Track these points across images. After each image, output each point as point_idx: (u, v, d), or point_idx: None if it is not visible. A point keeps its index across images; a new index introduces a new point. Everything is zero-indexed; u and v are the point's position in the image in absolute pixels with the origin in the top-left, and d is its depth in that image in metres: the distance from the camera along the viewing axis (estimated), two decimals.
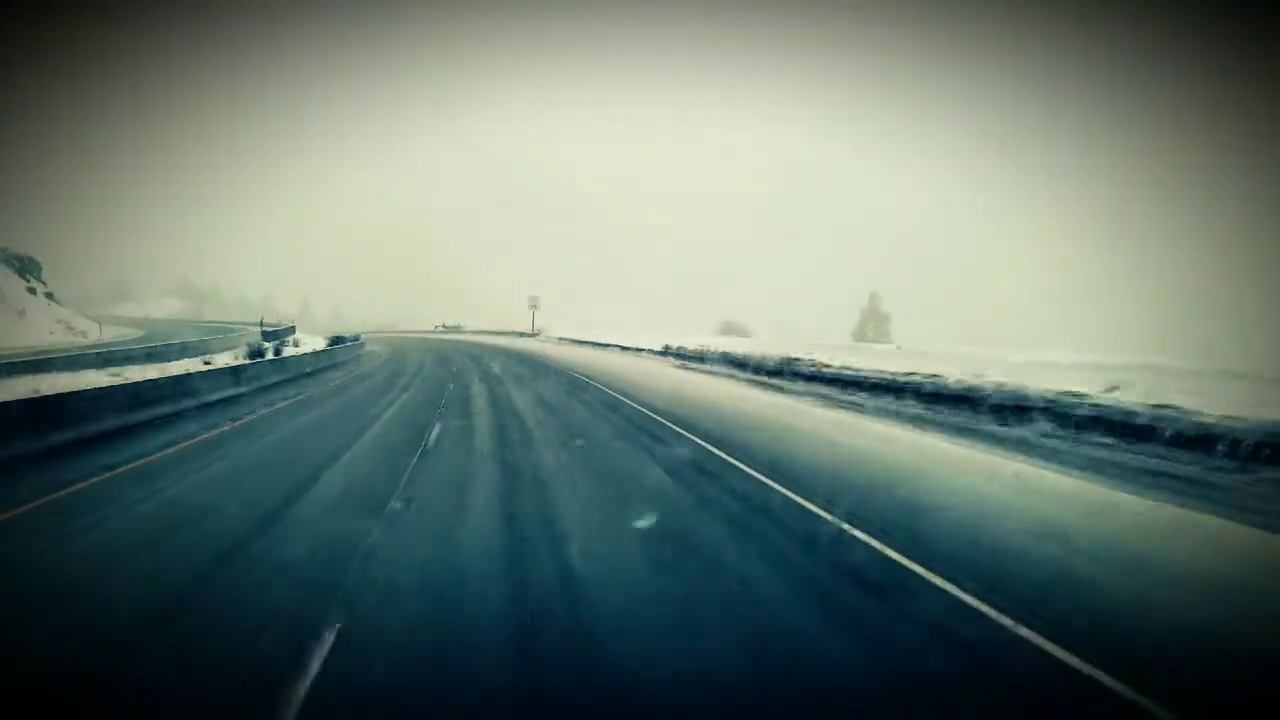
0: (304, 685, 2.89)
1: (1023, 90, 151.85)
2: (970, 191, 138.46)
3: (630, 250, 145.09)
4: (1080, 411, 9.02)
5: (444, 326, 76.13)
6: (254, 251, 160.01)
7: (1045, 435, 9.04)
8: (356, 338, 38.40)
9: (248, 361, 17.24)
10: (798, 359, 18.26)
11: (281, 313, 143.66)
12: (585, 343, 39.01)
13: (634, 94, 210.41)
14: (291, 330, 41.22)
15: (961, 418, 10.53)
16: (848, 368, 15.65)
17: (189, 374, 12.77)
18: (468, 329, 69.66)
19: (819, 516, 5.41)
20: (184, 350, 27.92)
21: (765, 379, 18.14)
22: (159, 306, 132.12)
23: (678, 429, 9.80)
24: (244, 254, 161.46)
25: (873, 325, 62.14)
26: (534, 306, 54.02)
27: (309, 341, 35.84)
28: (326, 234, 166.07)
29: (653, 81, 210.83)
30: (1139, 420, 8.25)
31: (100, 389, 9.80)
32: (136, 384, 10.71)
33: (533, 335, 52.04)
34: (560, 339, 44.85)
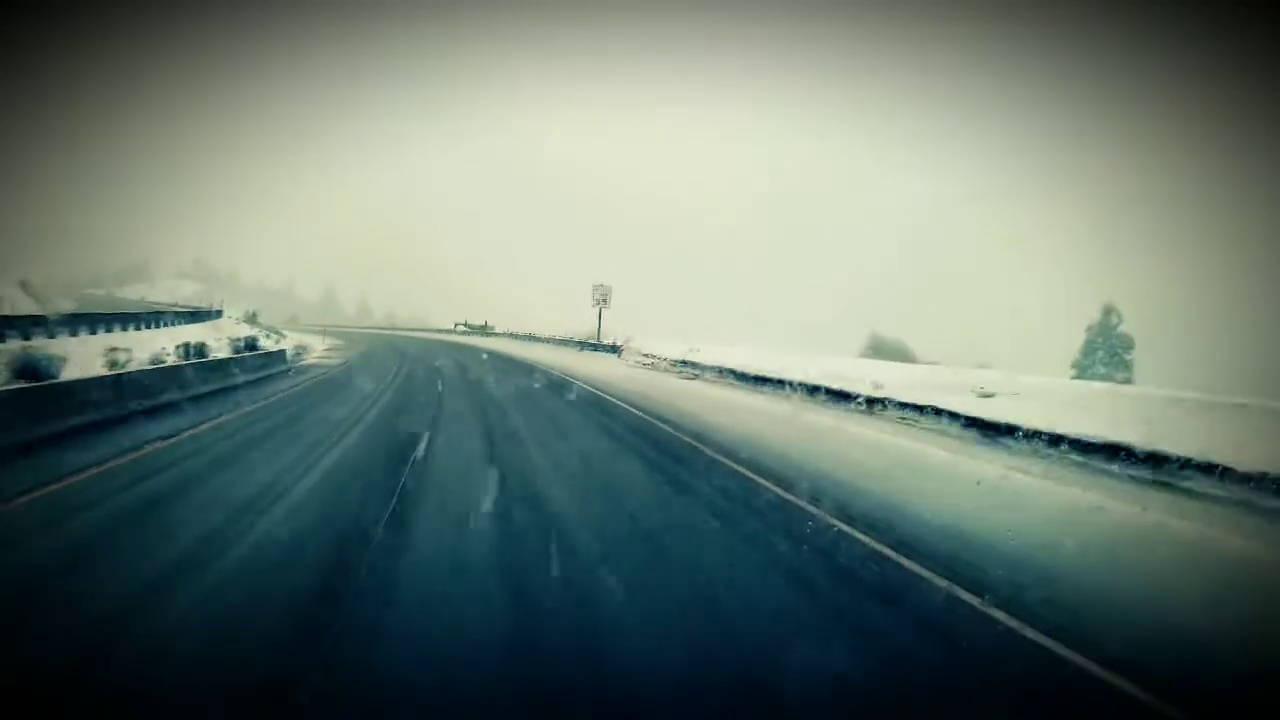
0: None
1: (1043, 93, 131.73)
2: (981, 200, 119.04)
3: (664, 254, 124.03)
4: None
5: (467, 326, 57.09)
6: (277, 238, 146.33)
7: None
8: (279, 354, 19.44)
9: None
10: None
11: (304, 301, 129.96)
12: (767, 380, 16.59)
13: (663, 95, 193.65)
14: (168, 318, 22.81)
15: None
16: None
17: None
18: (498, 330, 50.65)
19: None
20: None
21: None
22: (165, 290, 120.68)
23: None
24: (267, 241, 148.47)
25: (1105, 353, 40.28)
26: (601, 302, 32.38)
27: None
28: (354, 225, 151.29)
29: (676, 84, 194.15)
30: None
31: None
32: None
33: (607, 349, 30.51)
34: (680, 363, 21.77)
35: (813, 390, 14.55)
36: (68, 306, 47.75)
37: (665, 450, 8.88)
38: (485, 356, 29.26)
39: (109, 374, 10.45)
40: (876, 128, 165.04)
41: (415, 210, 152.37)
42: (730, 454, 8.42)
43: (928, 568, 4.46)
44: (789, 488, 6.64)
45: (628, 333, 31.39)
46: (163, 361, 13.01)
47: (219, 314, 42.31)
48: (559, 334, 40.38)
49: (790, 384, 15.25)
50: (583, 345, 34.18)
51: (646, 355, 24.82)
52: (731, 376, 18.16)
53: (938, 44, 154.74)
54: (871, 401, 12.72)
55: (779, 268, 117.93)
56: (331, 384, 16.08)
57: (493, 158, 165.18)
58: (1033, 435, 9.60)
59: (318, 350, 31.64)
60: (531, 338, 42.29)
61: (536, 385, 17.46)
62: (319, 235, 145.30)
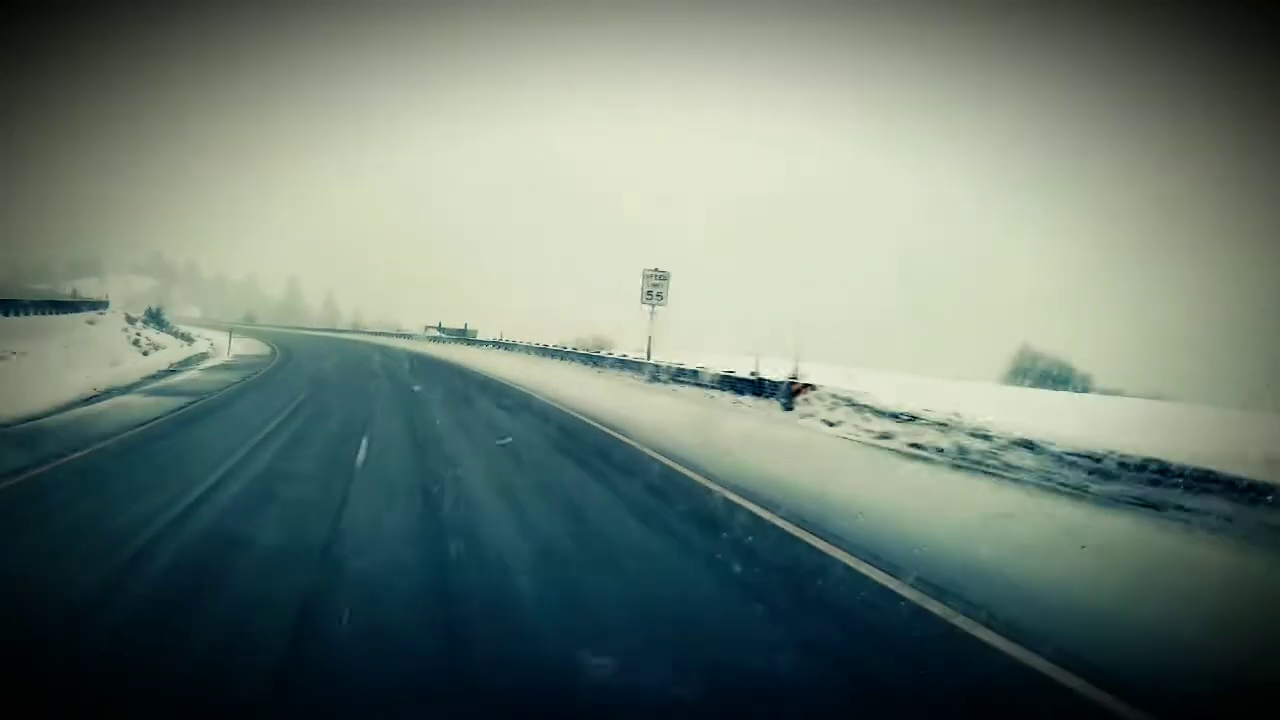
0: None
1: (1058, 100, 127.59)
2: (989, 205, 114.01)
3: (665, 257, 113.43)
4: None
5: (441, 331, 45.84)
6: (241, 232, 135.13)
7: None
8: None
9: None
10: None
11: (269, 299, 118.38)
12: None
13: (664, 96, 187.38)
14: None
15: None
16: None
17: None
18: (482, 337, 39.56)
19: None
20: None
21: None
22: (119, 284, 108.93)
23: None
24: (229, 235, 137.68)
25: None
26: (654, 298, 18.37)
27: None
28: (338, 222, 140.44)
29: (678, 85, 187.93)
30: None
31: None
32: None
33: (752, 387, 12.46)
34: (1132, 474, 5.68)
35: None
36: None
37: None
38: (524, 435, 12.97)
39: None
40: (885, 130, 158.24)
41: (411, 210, 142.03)
42: None
43: None
44: None
45: (655, 340, 20.30)
46: None
47: (103, 306, 31.13)
48: (560, 342, 29.44)
49: None
50: (662, 374, 16.84)
51: (906, 418, 8.94)
52: None
53: (955, 41, 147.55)
54: None
55: (782, 272, 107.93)
56: None
57: (492, 158, 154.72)
58: None
59: (195, 370, 20.51)
60: (534, 348, 31.06)
61: None
62: (296, 234, 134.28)
